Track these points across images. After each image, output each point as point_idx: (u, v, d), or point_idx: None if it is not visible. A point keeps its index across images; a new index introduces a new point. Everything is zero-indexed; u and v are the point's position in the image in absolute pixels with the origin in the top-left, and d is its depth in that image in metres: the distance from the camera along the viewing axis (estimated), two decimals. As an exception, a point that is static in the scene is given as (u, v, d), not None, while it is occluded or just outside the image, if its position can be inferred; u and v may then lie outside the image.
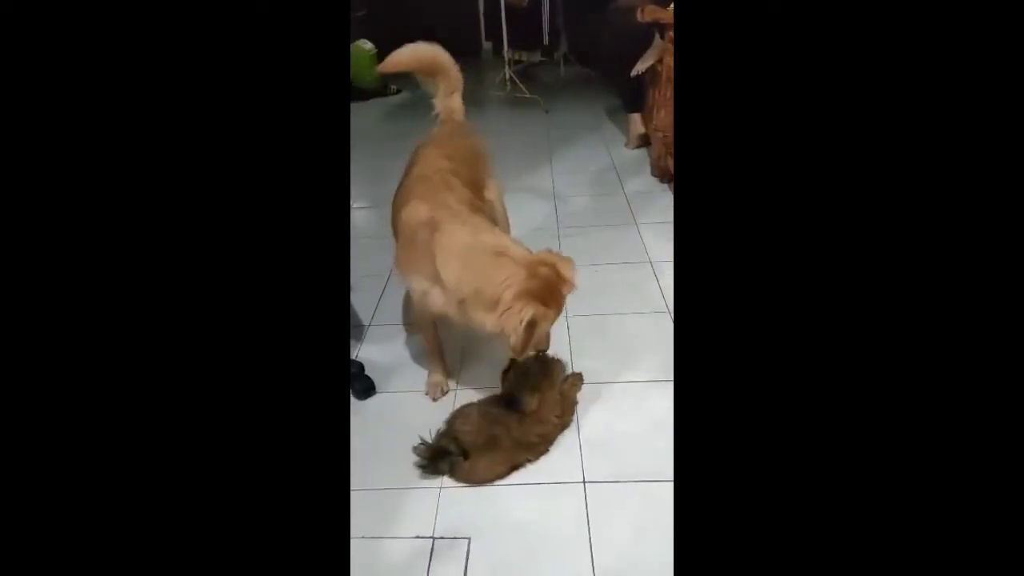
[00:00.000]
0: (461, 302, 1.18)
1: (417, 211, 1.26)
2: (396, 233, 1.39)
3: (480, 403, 1.32)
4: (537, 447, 1.27)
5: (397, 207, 1.38)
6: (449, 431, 1.26)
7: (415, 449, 1.23)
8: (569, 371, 1.45)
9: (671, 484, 1.20)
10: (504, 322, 1.12)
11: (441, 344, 1.50)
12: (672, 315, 1.71)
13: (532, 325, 1.11)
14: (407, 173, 1.47)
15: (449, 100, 1.71)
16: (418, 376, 1.54)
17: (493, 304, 1.13)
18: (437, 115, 1.73)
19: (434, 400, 1.46)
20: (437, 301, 1.24)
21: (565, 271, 1.18)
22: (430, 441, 1.24)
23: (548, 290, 1.14)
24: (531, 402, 1.26)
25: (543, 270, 1.15)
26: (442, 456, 1.22)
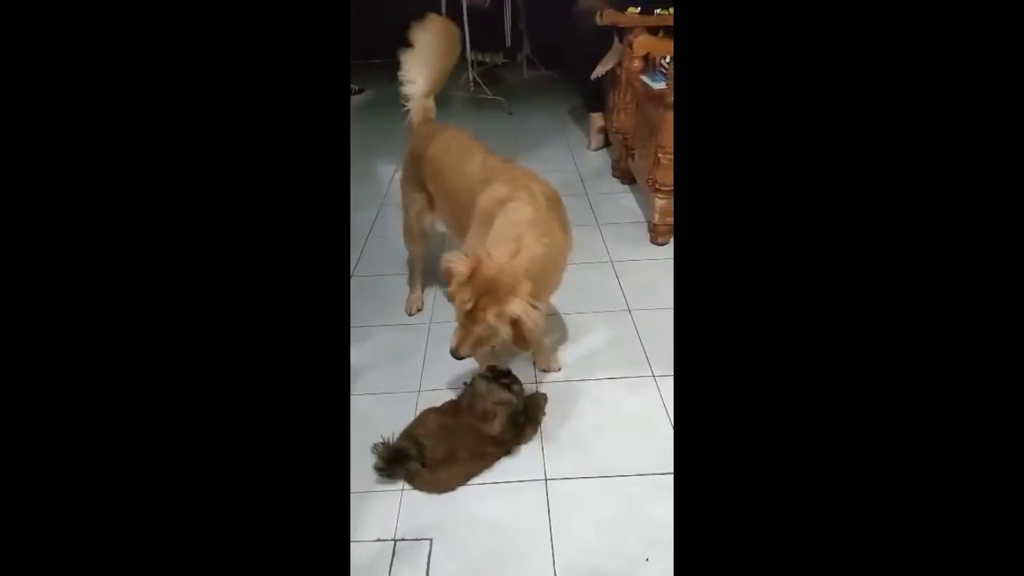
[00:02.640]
0: None
1: (497, 191, 1.29)
2: (452, 217, 1.46)
3: (439, 413, 1.31)
4: (494, 458, 1.28)
5: (465, 191, 1.39)
6: (409, 437, 1.25)
7: (374, 449, 1.23)
8: (534, 375, 1.46)
9: (632, 479, 1.22)
10: (449, 259, 1.17)
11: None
12: (631, 314, 1.75)
13: (447, 272, 1.15)
14: (448, 160, 1.50)
15: (427, 100, 1.72)
16: (382, 378, 1.53)
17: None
18: (407, 112, 1.72)
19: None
20: None
21: (510, 305, 1.11)
22: (389, 443, 1.24)
23: (487, 287, 1.12)
24: (492, 425, 1.26)
25: (506, 279, 1.12)
26: (400, 459, 1.21)
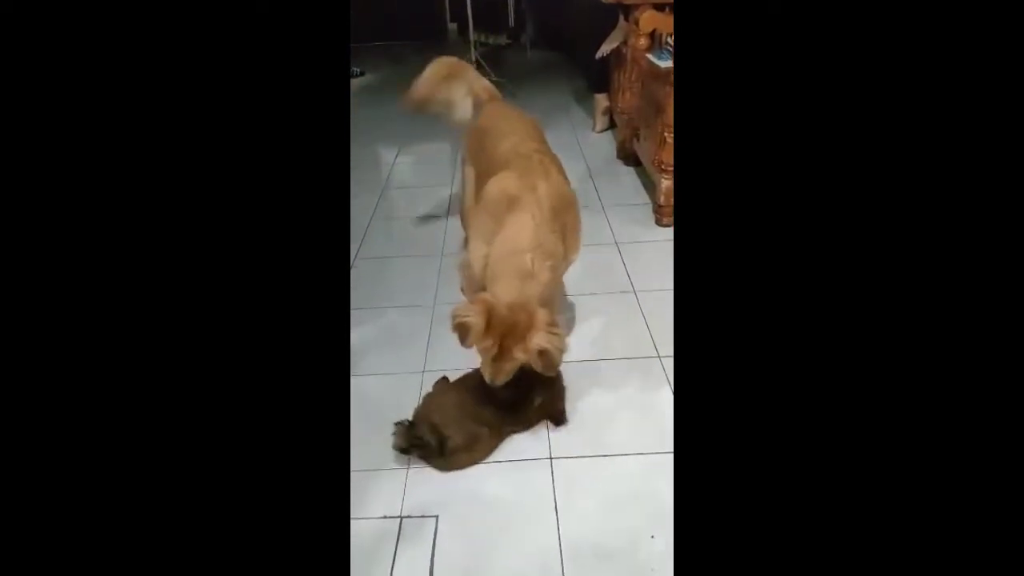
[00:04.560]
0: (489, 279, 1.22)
1: (506, 182, 1.27)
2: (471, 196, 1.45)
3: (458, 390, 1.29)
4: (511, 433, 1.28)
5: (483, 172, 1.40)
6: (428, 423, 1.23)
7: (395, 429, 1.22)
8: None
9: (636, 458, 1.22)
10: (458, 307, 1.16)
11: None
12: (636, 295, 1.74)
13: (462, 327, 1.13)
14: (491, 138, 1.48)
15: (480, 82, 1.74)
16: (386, 359, 1.53)
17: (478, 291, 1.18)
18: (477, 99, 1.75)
19: None
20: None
21: (534, 338, 1.11)
22: (408, 422, 1.23)
23: (507, 329, 1.12)
24: (528, 413, 1.26)
25: (522, 316, 1.12)
26: (420, 446, 1.21)
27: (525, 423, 1.29)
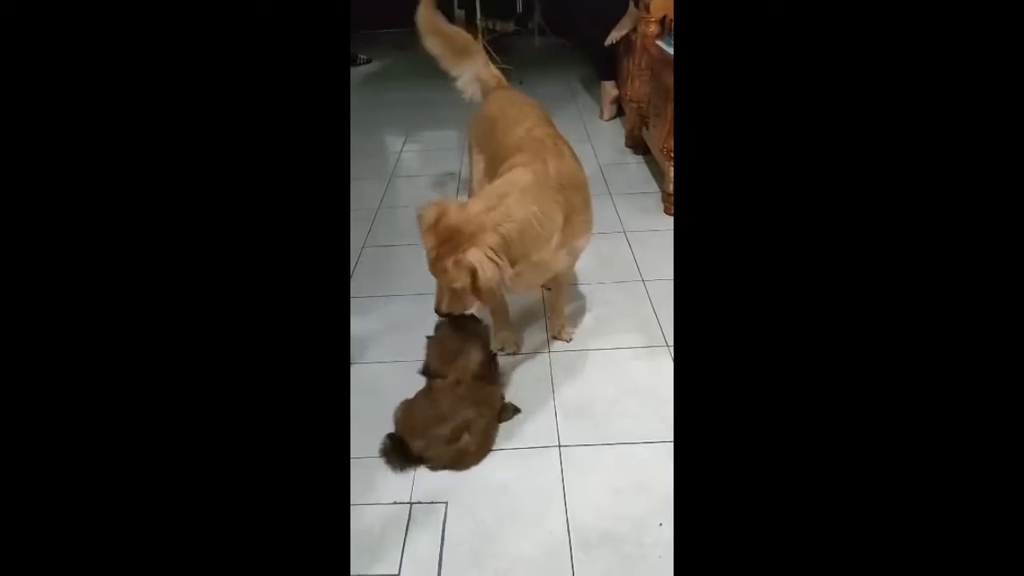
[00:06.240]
0: None
1: (517, 161, 1.27)
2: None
3: (426, 410, 1.25)
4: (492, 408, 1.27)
5: (494, 159, 1.41)
6: (416, 450, 1.20)
7: (382, 450, 1.22)
8: (547, 345, 1.43)
9: (645, 446, 1.23)
10: (423, 205, 1.18)
11: (505, 306, 1.48)
12: (645, 284, 1.74)
13: (418, 219, 1.15)
14: (501, 125, 1.48)
15: (489, 69, 1.78)
16: (393, 347, 1.54)
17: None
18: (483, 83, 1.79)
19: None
20: None
21: (468, 253, 1.08)
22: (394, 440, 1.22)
23: (449, 235, 1.09)
24: (451, 376, 1.25)
25: (469, 228, 1.09)
26: (414, 461, 1.21)
27: (485, 403, 1.26)
